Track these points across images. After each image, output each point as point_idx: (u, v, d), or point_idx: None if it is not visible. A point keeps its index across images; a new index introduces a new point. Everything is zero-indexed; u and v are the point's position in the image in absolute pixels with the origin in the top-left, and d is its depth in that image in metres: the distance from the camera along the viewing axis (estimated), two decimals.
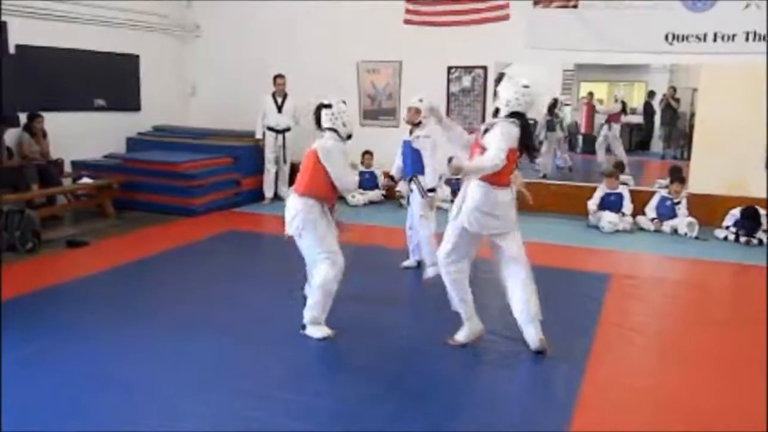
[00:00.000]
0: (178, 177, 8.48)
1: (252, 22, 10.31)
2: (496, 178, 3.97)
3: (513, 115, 4.02)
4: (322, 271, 4.37)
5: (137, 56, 9.92)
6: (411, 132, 5.76)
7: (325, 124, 4.57)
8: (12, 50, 7.99)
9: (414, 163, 5.73)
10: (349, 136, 4.61)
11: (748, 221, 7.55)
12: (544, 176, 9.69)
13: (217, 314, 4.92)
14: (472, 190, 4.04)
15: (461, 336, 4.30)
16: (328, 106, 4.58)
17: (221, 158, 9.19)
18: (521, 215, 4.26)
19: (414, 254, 6.20)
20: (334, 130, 4.54)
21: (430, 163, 5.67)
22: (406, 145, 5.80)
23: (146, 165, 8.69)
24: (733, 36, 7.92)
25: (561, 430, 3.30)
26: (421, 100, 5.68)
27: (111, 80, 9.51)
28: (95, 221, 7.94)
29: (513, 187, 4.17)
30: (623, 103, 13.37)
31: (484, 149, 3.97)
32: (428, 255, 5.67)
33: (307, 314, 4.44)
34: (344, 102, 4.64)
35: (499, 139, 3.90)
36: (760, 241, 7.45)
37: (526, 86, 4.01)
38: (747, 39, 7.86)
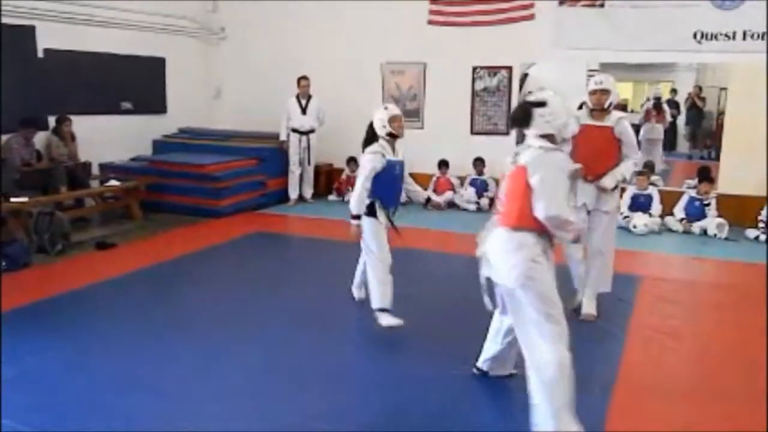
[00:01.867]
0: (204, 179, 8.54)
1: (276, 25, 10.35)
2: None
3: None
4: (548, 356, 3.08)
5: (163, 59, 10.01)
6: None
7: (539, 129, 3.23)
8: (40, 54, 8.11)
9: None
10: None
11: None
12: None
13: (249, 317, 4.94)
14: None
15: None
16: (541, 104, 3.25)
17: (247, 160, 9.23)
18: None
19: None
20: (547, 137, 3.25)
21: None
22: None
23: (172, 167, 8.76)
24: (763, 35, 7.78)
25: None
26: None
27: (137, 83, 9.61)
28: (123, 223, 8.02)
29: None
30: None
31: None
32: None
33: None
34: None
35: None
36: None
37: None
38: None
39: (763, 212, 7.69)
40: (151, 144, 9.88)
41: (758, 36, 7.81)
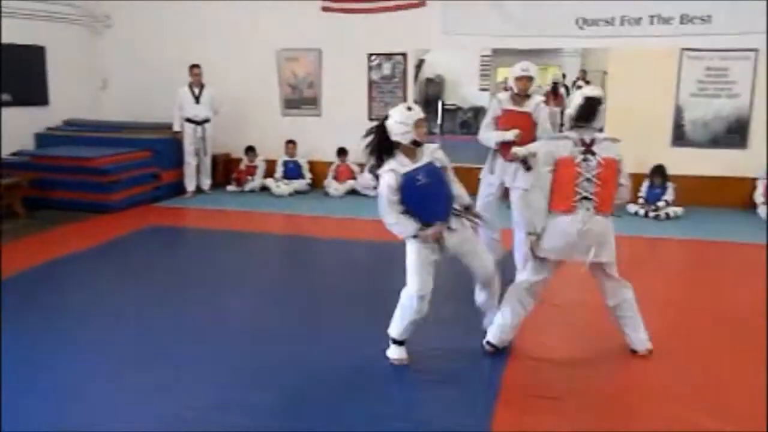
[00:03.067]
0: (92, 173, 8.16)
1: (166, 11, 10.00)
2: None
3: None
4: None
5: (42, 48, 9.45)
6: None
7: (599, 123, 3.92)
8: None
9: None
10: None
11: (657, 178, 8.14)
12: None
13: (145, 312, 4.81)
14: None
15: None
16: (601, 100, 3.87)
17: (138, 152, 8.89)
18: None
19: None
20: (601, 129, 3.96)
21: None
22: None
23: (58, 161, 8.32)
24: (639, 19, 8.26)
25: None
26: None
27: (15, 73, 9.01)
28: (5, 222, 7.55)
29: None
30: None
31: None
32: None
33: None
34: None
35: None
36: (667, 215, 7.87)
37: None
38: (651, 22, 8.22)
39: (642, 189, 8.20)
40: (34, 138, 9.35)
41: (635, 21, 8.28)
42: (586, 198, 3.79)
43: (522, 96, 5.24)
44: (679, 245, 6.97)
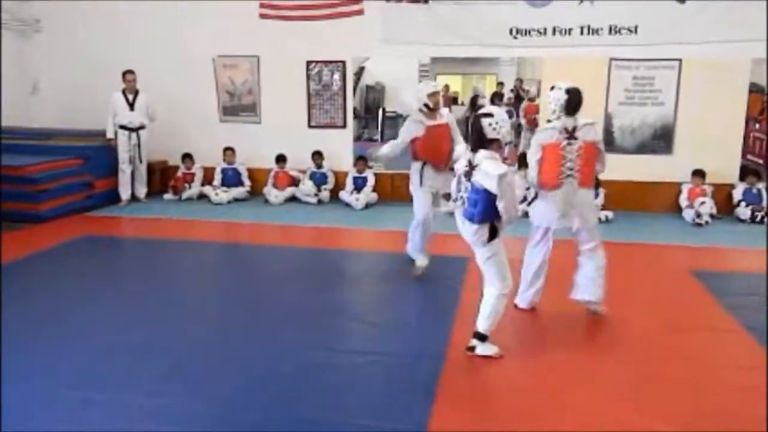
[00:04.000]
0: (19, 181, 7.88)
1: (98, 16, 9.76)
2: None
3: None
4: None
5: None
6: None
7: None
8: None
9: None
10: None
11: None
12: None
13: (78, 324, 4.69)
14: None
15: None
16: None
17: (70, 159, 8.64)
18: None
19: None
20: None
21: None
22: None
23: None
24: (570, 30, 8.53)
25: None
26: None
27: None
28: None
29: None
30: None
31: None
32: None
33: None
34: None
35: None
36: (599, 219, 8.11)
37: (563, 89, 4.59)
38: (582, 33, 8.49)
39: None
40: None
41: (566, 32, 8.54)
42: (570, 176, 4.57)
43: (434, 110, 5.61)
44: (610, 248, 7.16)
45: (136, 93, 9.02)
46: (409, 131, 5.64)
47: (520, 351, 4.33)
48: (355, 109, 10.09)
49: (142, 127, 9.08)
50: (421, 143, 5.59)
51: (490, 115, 3.96)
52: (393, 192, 9.27)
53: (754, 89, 8.90)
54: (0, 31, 8.99)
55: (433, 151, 5.60)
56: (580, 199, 4.64)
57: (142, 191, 9.34)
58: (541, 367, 4.08)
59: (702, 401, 3.63)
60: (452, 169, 5.24)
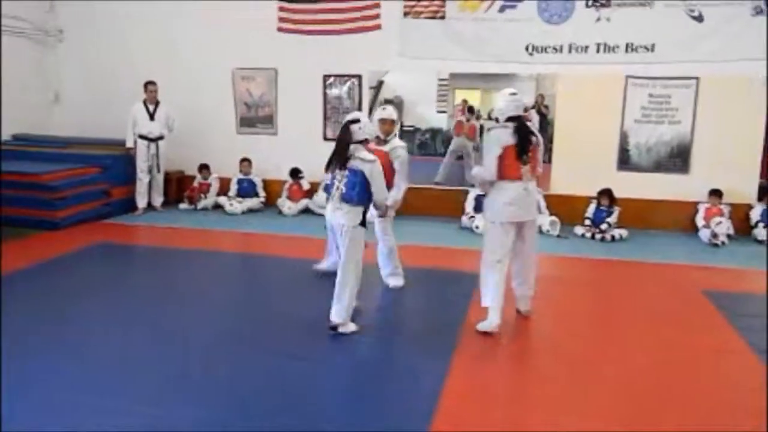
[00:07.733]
0: (38, 188, 8.02)
1: (121, 27, 9.96)
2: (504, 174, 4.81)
3: (509, 119, 4.83)
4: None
5: None
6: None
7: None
8: None
9: None
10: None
11: (605, 199, 8.39)
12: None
13: (91, 330, 4.74)
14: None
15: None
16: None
17: (88, 168, 8.78)
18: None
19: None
20: None
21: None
22: None
23: (3, 176, 8.14)
24: (586, 47, 8.52)
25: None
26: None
27: None
28: None
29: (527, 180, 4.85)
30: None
31: None
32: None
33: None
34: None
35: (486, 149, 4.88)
36: (613, 237, 8.07)
37: (513, 93, 4.85)
38: (598, 50, 8.47)
39: (589, 211, 8.40)
40: None
41: (582, 49, 8.53)
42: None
43: (385, 139, 5.48)
44: (623, 266, 7.12)
45: (156, 104, 9.16)
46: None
47: (523, 357, 4.31)
48: None
49: (161, 138, 9.22)
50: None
51: (357, 120, 4.64)
52: (407, 206, 9.25)
53: None
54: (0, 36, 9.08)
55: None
56: (532, 189, 4.94)
57: (158, 200, 9.46)
58: (543, 378, 4.06)
59: (701, 420, 3.58)
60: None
